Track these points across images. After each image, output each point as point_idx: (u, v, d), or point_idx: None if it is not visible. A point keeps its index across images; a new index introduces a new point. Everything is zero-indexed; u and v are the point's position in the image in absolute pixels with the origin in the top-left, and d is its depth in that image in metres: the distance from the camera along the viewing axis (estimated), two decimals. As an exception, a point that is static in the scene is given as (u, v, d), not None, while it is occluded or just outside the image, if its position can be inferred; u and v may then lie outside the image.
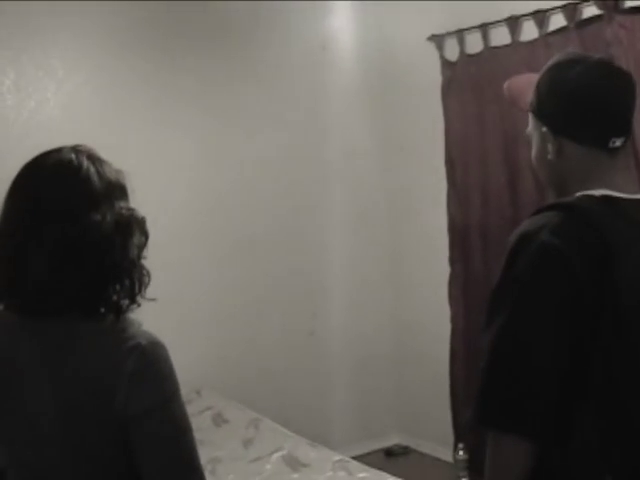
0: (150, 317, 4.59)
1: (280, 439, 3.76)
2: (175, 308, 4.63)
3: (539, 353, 1.50)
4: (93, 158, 1.58)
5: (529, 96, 1.76)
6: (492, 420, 1.55)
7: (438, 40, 4.91)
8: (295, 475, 3.31)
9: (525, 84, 1.80)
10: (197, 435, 3.89)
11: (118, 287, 1.54)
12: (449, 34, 4.84)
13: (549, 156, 1.70)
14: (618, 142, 1.65)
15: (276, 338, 5.12)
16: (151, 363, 1.48)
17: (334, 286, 5.42)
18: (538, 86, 1.73)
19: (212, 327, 4.83)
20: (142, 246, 1.59)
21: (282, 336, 5.15)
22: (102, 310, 1.54)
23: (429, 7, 5.01)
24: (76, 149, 1.58)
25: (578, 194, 1.65)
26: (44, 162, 1.56)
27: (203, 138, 4.81)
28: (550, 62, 1.75)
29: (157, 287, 4.71)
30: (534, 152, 1.77)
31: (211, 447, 3.68)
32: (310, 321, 5.29)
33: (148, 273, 1.60)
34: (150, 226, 4.36)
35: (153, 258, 4.47)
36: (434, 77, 4.94)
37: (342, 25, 5.36)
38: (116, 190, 1.58)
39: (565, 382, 1.50)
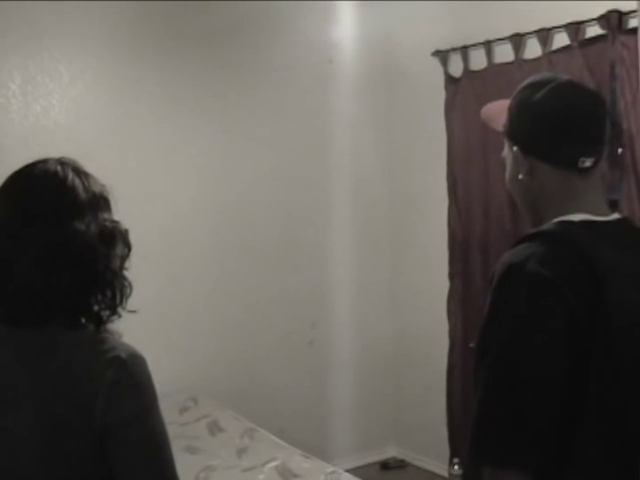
0: (149, 325, 4.61)
1: (274, 449, 3.76)
2: (174, 316, 4.65)
3: (535, 386, 1.49)
4: (78, 170, 1.60)
5: (503, 118, 1.76)
6: (488, 456, 1.52)
7: (442, 56, 4.94)
8: (287, 486, 3.31)
9: (500, 108, 1.81)
10: (192, 443, 3.92)
11: (100, 297, 1.56)
12: (453, 50, 4.86)
13: (520, 176, 1.71)
14: (588, 162, 1.64)
15: (275, 347, 5.12)
16: (130, 375, 1.48)
17: (334, 296, 5.42)
18: (510, 108, 1.74)
19: (210, 336, 4.83)
20: (125, 257, 1.61)
21: (281, 346, 5.15)
22: (83, 320, 1.55)
23: (434, 22, 5.04)
24: (61, 161, 1.60)
25: (556, 220, 1.64)
26: (30, 172, 1.58)
27: (208, 145, 4.82)
28: (522, 84, 1.75)
29: (157, 295, 4.74)
30: (507, 173, 1.77)
31: (205, 455, 3.69)
32: (309, 331, 5.29)
33: (130, 285, 1.61)
34: (149, 232, 4.38)
35: (153, 266, 4.49)
36: (438, 90, 4.96)
37: (348, 37, 5.37)
38: (100, 202, 1.59)
39: (562, 412, 1.49)
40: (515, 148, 1.71)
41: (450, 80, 4.91)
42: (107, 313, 1.57)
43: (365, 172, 5.53)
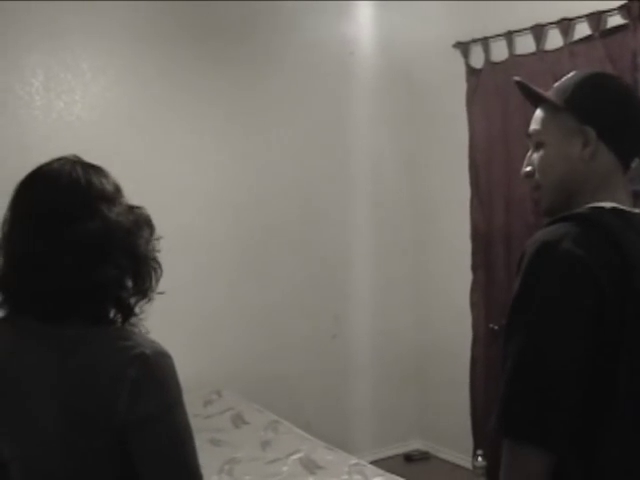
0: (174, 318, 4.65)
1: (298, 442, 3.77)
2: (199, 310, 4.66)
3: (563, 365, 1.49)
4: (91, 168, 1.61)
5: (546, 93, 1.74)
6: (512, 430, 1.53)
7: (463, 47, 4.93)
8: (311, 478, 3.31)
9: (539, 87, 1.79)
10: (216, 435, 3.94)
11: (129, 285, 1.57)
12: (474, 41, 4.85)
13: (578, 157, 1.67)
14: (636, 162, 1.69)
15: (298, 341, 5.13)
16: (154, 372, 1.48)
17: (357, 289, 5.43)
18: (582, 84, 1.70)
19: (235, 329, 4.85)
20: (150, 240, 1.62)
21: (304, 339, 5.16)
22: (111, 313, 1.57)
23: (454, 14, 5.03)
24: (75, 160, 1.62)
25: (588, 205, 1.65)
26: (50, 170, 1.59)
27: (229, 139, 4.84)
28: (583, 72, 1.74)
29: (182, 287, 4.76)
30: (548, 151, 1.72)
31: (230, 448, 3.71)
32: (332, 324, 5.30)
33: (160, 266, 1.63)
34: (173, 226, 4.41)
35: (180, 259, 4.51)
36: (458, 83, 4.95)
37: (367, 30, 5.37)
38: (121, 192, 1.61)
39: (589, 395, 1.50)
40: (586, 127, 1.66)
41: (471, 72, 4.90)
42: (136, 299, 1.58)
43: (387, 164, 5.53)
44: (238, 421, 4.09)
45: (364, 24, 5.38)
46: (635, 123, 1.68)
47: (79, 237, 1.50)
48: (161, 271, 1.63)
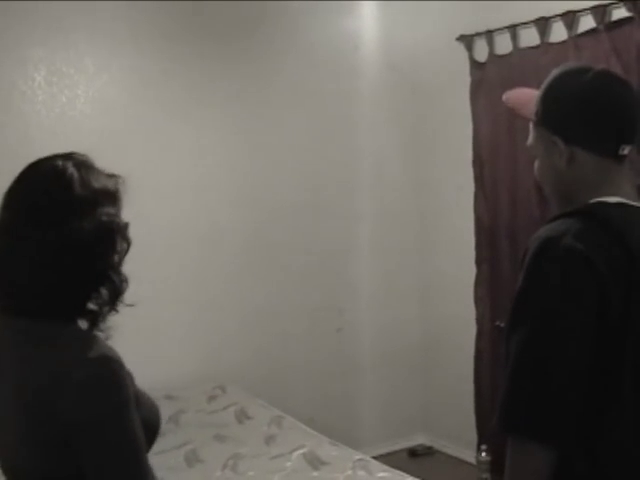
0: (177, 313, 4.66)
1: (302, 437, 3.77)
2: (201, 305, 4.66)
3: (566, 362, 1.49)
4: (81, 165, 1.60)
5: (531, 107, 1.75)
6: (515, 426, 1.53)
7: (467, 40, 4.91)
8: (315, 473, 3.31)
9: (527, 96, 1.80)
10: (220, 431, 3.95)
11: (94, 294, 1.58)
12: (478, 35, 4.83)
13: (558, 165, 1.69)
14: (627, 150, 1.65)
15: (302, 335, 5.13)
16: (98, 376, 1.47)
17: (361, 284, 5.43)
18: (545, 95, 1.73)
19: (239, 324, 4.85)
20: (123, 253, 1.61)
21: (309, 333, 5.16)
22: (77, 317, 1.58)
23: (458, 7, 5.01)
24: (66, 156, 1.61)
25: (592, 201, 1.65)
26: (31, 170, 1.60)
27: (232, 135, 4.83)
28: (554, 73, 1.74)
29: (185, 283, 4.77)
30: (539, 163, 1.76)
31: (233, 443, 3.70)
32: (337, 318, 5.30)
33: (126, 280, 1.62)
34: (175, 220, 4.42)
35: (183, 253, 4.53)
36: (462, 77, 4.93)
37: (370, 25, 5.36)
38: (100, 197, 1.58)
39: (592, 389, 1.50)
40: (554, 138, 1.69)
41: (475, 65, 4.88)
42: (105, 309, 1.59)
43: (391, 158, 5.52)
44: (242, 416, 4.09)
45: (368, 21, 5.37)
46: (603, 115, 1.66)
47: (39, 240, 1.52)
48: (126, 285, 1.61)
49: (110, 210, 1.59)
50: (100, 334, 1.59)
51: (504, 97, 1.92)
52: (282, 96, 5.01)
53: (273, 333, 5.00)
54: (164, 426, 4.17)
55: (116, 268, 1.59)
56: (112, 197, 1.62)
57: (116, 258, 1.59)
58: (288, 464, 3.42)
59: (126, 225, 1.63)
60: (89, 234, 1.54)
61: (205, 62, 4.71)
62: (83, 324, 1.59)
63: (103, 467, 1.47)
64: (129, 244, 1.62)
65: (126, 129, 4.41)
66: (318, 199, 5.19)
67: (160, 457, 3.49)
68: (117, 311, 1.61)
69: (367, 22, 5.35)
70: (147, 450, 1.56)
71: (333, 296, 5.30)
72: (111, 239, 1.58)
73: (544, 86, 1.74)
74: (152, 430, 1.64)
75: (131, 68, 4.48)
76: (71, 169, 1.57)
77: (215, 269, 4.77)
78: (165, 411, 4.00)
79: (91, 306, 1.58)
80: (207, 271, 4.72)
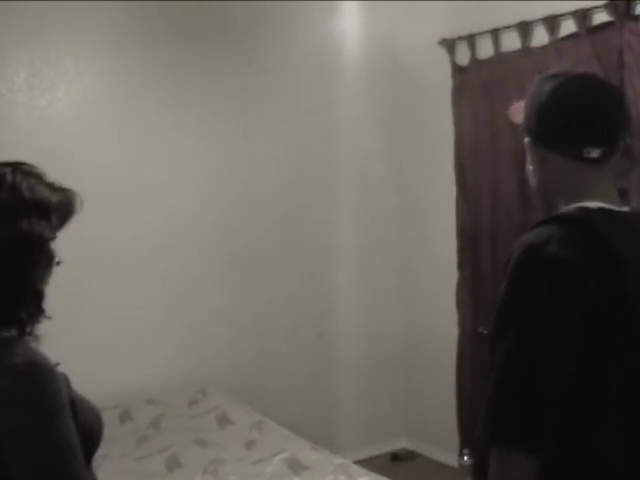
0: (158, 318, 4.63)
1: (283, 442, 3.76)
2: (183, 309, 4.64)
3: (550, 371, 1.47)
4: (22, 174, 1.59)
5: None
6: (500, 436, 1.51)
7: (449, 44, 4.92)
8: (296, 478, 3.29)
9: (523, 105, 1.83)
10: (201, 436, 3.93)
11: (19, 302, 1.56)
12: (460, 39, 4.84)
13: (532, 167, 1.75)
14: (594, 153, 1.64)
15: (284, 340, 5.12)
16: (22, 384, 1.45)
17: (343, 288, 5.42)
18: (526, 102, 1.77)
19: (220, 329, 4.82)
20: (44, 267, 1.59)
21: (290, 338, 5.15)
22: (3, 324, 1.55)
23: (440, 11, 5.02)
24: (12, 164, 1.60)
25: (574, 206, 1.64)
26: None
27: (213, 139, 4.81)
28: (535, 79, 1.77)
29: (166, 288, 4.75)
30: (526, 168, 1.80)
31: (214, 448, 3.69)
32: (318, 323, 5.29)
33: (38, 297, 1.60)
34: (157, 226, 4.39)
35: (160, 259, 4.51)
36: (444, 81, 4.94)
37: (352, 28, 5.36)
38: (29, 208, 1.57)
39: (578, 399, 1.49)
40: (527, 139, 1.75)
41: (457, 69, 4.89)
42: (34, 317, 1.57)
43: (372, 163, 5.52)
44: (223, 421, 4.07)
45: (351, 22, 5.36)
46: (566, 118, 1.66)
47: None
48: (42, 298, 1.60)
49: (37, 222, 1.56)
50: (29, 338, 1.56)
51: (508, 112, 1.96)
52: (263, 100, 4.99)
53: (255, 338, 4.98)
54: (145, 431, 4.16)
55: (30, 284, 1.57)
56: (45, 210, 1.59)
57: (37, 272, 1.57)
58: (269, 469, 3.41)
59: (49, 239, 1.60)
60: (2, 240, 1.52)
61: (189, 65, 4.69)
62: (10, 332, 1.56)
63: (31, 477, 1.43)
64: (51, 259, 1.60)
65: (106, 132, 4.37)
66: (299, 205, 5.18)
67: (140, 462, 3.49)
68: (39, 322, 1.58)
69: (350, 26, 5.34)
70: (89, 457, 1.54)
71: (314, 301, 5.28)
72: (27, 249, 1.55)
73: (528, 95, 1.77)
74: (93, 436, 1.61)
75: (111, 70, 4.45)
76: (8, 175, 1.56)
77: (196, 274, 4.74)
78: (146, 415, 4.00)
79: (18, 316, 1.55)
80: (188, 276, 4.70)
